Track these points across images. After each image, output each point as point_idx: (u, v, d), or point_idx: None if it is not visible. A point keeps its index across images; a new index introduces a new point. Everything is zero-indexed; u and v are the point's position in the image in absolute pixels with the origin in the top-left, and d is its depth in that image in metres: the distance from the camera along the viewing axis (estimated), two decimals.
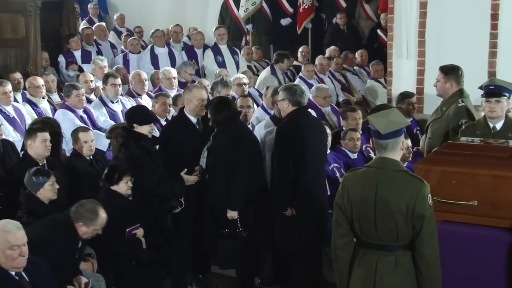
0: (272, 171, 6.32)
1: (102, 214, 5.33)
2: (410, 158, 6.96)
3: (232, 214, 6.04)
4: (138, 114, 6.33)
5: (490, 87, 5.91)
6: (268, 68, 10.62)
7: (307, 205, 6.10)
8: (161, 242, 6.03)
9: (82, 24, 12.95)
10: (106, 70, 9.51)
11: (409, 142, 6.93)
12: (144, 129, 6.19)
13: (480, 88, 6.01)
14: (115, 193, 5.83)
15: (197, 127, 6.49)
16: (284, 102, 6.20)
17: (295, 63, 11.39)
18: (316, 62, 10.53)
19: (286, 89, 6.26)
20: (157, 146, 6.48)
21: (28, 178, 5.67)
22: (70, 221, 5.26)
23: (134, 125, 6.20)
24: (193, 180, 6.27)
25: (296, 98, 6.15)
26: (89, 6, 13.90)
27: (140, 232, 5.83)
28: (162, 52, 11.04)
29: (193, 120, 6.47)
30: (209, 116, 6.19)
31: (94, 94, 8.88)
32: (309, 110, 6.64)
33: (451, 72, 6.50)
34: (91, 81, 9.01)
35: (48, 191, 5.68)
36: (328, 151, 6.77)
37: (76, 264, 5.38)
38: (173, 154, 6.34)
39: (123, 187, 5.85)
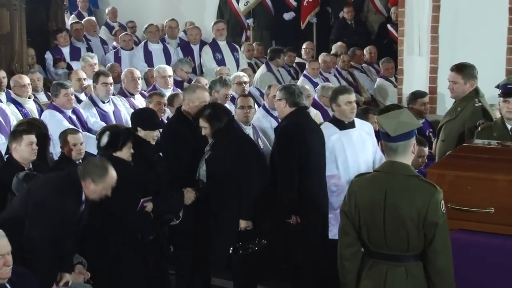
0: (272, 173, 6.31)
1: (112, 172, 5.33)
2: (423, 166, 6.94)
3: (247, 224, 6.02)
4: (144, 118, 6.31)
5: (508, 86, 5.92)
6: (263, 66, 10.66)
7: (312, 213, 6.12)
8: (157, 258, 6.04)
9: (71, 19, 12.97)
10: (97, 68, 9.52)
11: (426, 150, 6.91)
12: (147, 135, 6.18)
13: (497, 87, 6.01)
14: (120, 160, 5.79)
15: (197, 127, 6.50)
16: (281, 102, 6.26)
17: (299, 60, 11.41)
18: (319, 59, 10.55)
19: (283, 89, 6.33)
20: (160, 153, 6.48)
21: (17, 184, 5.67)
22: (77, 180, 5.27)
23: (138, 128, 6.17)
24: (192, 197, 6.22)
25: (294, 99, 6.22)
26: None
27: (149, 206, 5.86)
28: (156, 48, 11.06)
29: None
30: (203, 126, 6.10)
31: (85, 94, 8.89)
32: (308, 111, 6.68)
33: (468, 70, 6.49)
34: (84, 79, 8.99)
35: None
36: None
37: (76, 233, 5.41)
38: (177, 155, 6.34)
39: (126, 153, 5.83)
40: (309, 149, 6.09)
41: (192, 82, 9.29)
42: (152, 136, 6.20)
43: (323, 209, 6.17)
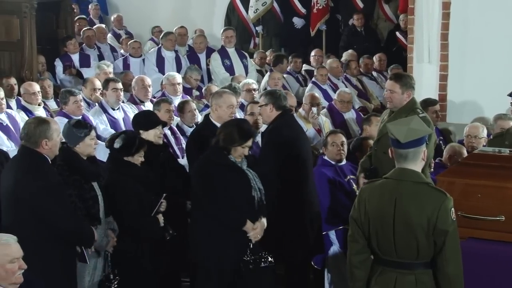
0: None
1: (51, 121, 5.29)
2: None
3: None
4: (142, 118, 6.37)
5: None
6: (268, 73, 10.69)
7: (307, 214, 6.26)
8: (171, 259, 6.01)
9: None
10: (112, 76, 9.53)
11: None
12: (150, 135, 6.19)
13: (510, 95, 6.01)
14: (130, 163, 5.79)
15: None
16: (268, 107, 6.36)
17: (308, 67, 11.43)
18: (327, 66, 10.55)
19: (268, 94, 6.47)
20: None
21: (68, 130, 5.63)
22: (32, 151, 5.18)
23: (140, 131, 6.19)
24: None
25: (280, 102, 6.34)
26: (90, 6, 13.95)
27: (163, 205, 5.82)
28: (169, 55, 11.04)
29: None
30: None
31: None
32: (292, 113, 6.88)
33: (406, 80, 6.21)
34: (99, 89, 8.84)
35: (88, 145, 5.65)
36: (345, 162, 6.82)
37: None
38: None
39: (138, 160, 5.82)
40: (301, 151, 6.27)
41: (203, 90, 9.32)
42: (156, 134, 6.22)
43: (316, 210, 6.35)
